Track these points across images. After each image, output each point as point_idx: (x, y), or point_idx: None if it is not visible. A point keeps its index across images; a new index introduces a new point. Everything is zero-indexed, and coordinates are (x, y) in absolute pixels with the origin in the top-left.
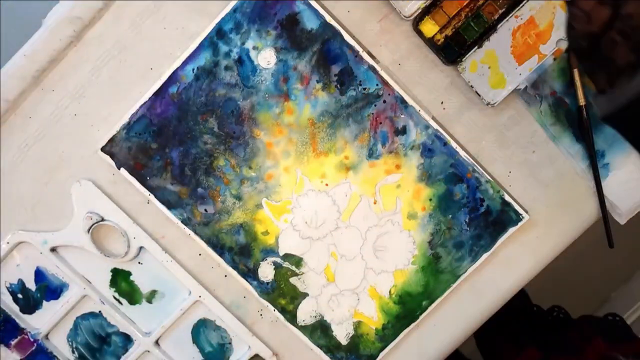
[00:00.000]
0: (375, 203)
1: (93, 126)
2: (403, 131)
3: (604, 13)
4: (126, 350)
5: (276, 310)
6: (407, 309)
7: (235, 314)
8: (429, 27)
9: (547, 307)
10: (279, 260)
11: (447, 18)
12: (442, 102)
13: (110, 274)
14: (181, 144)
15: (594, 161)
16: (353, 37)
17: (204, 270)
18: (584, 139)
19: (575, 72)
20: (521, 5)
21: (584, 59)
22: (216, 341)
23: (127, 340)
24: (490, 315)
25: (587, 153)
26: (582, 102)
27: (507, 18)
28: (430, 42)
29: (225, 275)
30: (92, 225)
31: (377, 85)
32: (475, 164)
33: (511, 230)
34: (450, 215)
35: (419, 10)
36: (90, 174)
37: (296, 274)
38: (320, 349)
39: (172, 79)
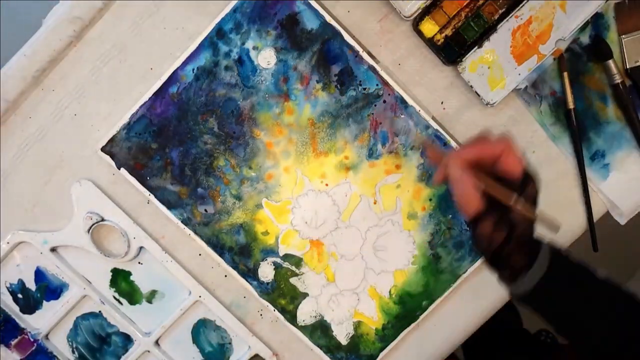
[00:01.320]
0: (375, 203)
1: (93, 126)
2: (403, 131)
3: (501, 236)
4: (126, 350)
5: (276, 310)
6: (407, 309)
7: (235, 314)
8: (429, 27)
9: (536, 329)
10: (279, 260)
11: (447, 18)
12: (442, 102)
13: (110, 274)
14: (181, 144)
15: (581, 161)
16: (353, 37)
17: (204, 270)
18: (573, 141)
19: (565, 75)
20: (521, 5)
21: (489, 264)
22: (216, 341)
23: (127, 340)
24: (490, 315)
25: (587, 154)
26: (571, 105)
27: (507, 18)
28: (430, 42)
29: (225, 275)
30: (92, 225)
31: (377, 85)
32: None
33: None
34: (450, 215)
35: (419, 11)
36: (90, 174)
37: (296, 274)
38: (320, 349)
39: (172, 79)
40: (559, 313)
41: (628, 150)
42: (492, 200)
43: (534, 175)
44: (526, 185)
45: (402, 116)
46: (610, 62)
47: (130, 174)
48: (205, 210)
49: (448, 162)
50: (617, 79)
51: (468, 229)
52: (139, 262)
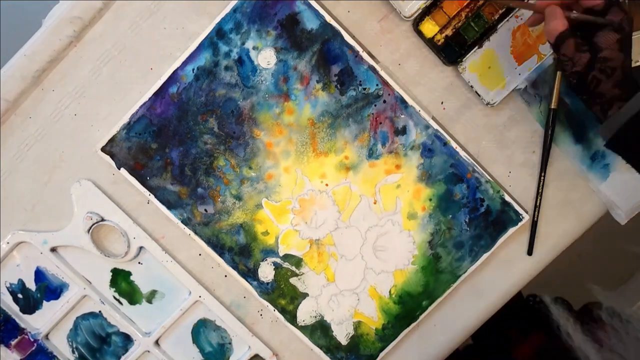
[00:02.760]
0: (375, 203)
1: (93, 126)
2: (403, 131)
3: (585, 57)
4: (126, 350)
5: (276, 310)
6: (407, 309)
7: (235, 314)
8: (429, 28)
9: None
10: (278, 260)
11: (447, 18)
12: (442, 102)
13: (110, 274)
14: (181, 144)
15: (545, 161)
16: (353, 37)
17: (204, 270)
18: (544, 140)
19: (558, 75)
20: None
21: (579, 94)
22: (216, 341)
23: (127, 340)
24: (491, 315)
25: (584, 153)
26: (554, 105)
27: (507, 18)
28: (430, 43)
29: (225, 275)
30: (92, 225)
31: (377, 85)
32: (475, 164)
33: (511, 230)
34: (450, 215)
35: (419, 11)
36: (90, 174)
37: (296, 274)
38: (320, 349)
39: (172, 79)
40: None
41: None
42: (578, 26)
43: (621, 5)
44: (607, 11)
45: (402, 116)
46: None
47: (130, 174)
48: (205, 210)
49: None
50: None
51: (554, 53)
52: (139, 262)
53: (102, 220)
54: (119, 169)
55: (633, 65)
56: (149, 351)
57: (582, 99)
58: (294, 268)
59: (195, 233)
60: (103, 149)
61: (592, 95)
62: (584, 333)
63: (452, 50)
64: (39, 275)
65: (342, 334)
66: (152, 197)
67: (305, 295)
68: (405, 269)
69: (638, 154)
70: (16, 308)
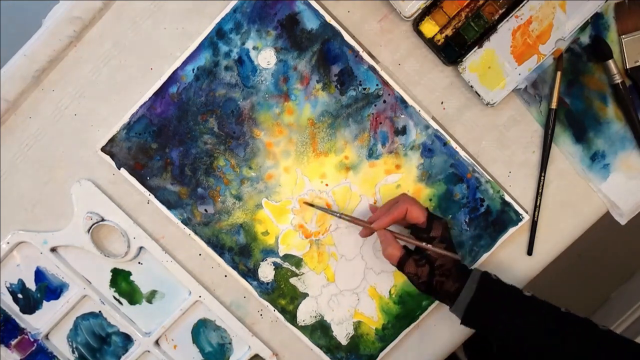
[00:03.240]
0: (375, 203)
1: (93, 126)
2: (403, 131)
3: (425, 269)
4: (126, 350)
5: (276, 310)
6: (407, 309)
7: (235, 314)
8: (429, 28)
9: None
10: (278, 260)
11: (447, 18)
12: (442, 102)
13: (110, 274)
14: (181, 144)
15: (546, 159)
16: (353, 37)
17: (204, 270)
18: (544, 140)
19: (558, 74)
20: (521, 5)
21: (430, 295)
22: (216, 341)
23: (127, 340)
24: None
25: (584, 153)
26: (554, 105)
27: (507, 18)
28: (430, 43)
29: (225, 275)
30: (92, 225)
31: (377, 85)
32: (475, 164)
33: (511, 230)
34: (450, 215)
35: (419, 11)
36: (90, 174)
37: (296, 275)
38: (320, 349)
39: (172, 79)
40: (494, 328)
41: (628, 150)
42: (410, 248)
43: (439, 217)
44: (431, 227)
45: (402, 116)
46: (610, 62)
47: (130, 174)
48: (205, 210)
49: (374, 229)
50: (617, 79)
51: (402, 273)
52: (139, 262)
53: (102, 220)
54: (119, 169)
55: (633, 65)
56: (149, 351)
57: (424, 292)
58: (294, 268)
59: (195, 233)
60: (103, 149)
61: (439, 294)
62: None
63: (452, 50)
64: (39, 275)
65: (342, 334)
66: (152, 197)
67: (305, 295)
68: None
69: (488, 324)
70: (16, 308)
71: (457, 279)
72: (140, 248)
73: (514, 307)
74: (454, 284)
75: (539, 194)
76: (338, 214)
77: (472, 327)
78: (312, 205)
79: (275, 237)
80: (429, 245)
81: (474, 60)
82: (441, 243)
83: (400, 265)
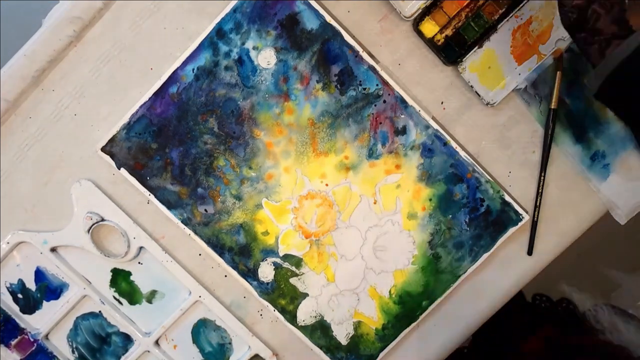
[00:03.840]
0: (375, 203)
1: (93, 126)
2: (403, 131)
3: None
4: (126, 350)
5: (276, 310)
6: (407, 309)
7: (235, 314)
8: (429, 28)
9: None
10: (278, 260)
11: (448, 18)
12: (442, 102)
13: (110, 274)
14: (181, 144)
15: (545, 161)
16: (353, 37)
17: (204, 270)
18: (544, 140)
19: (558, 75)
20: (521, 5)
21: (577, 32)
22: (216, 341)
23: (127, 340)
24: (491, 315)
25: (584, 153)
26: (554, 105)
27: (507, 18)
28: (430, 42)
29: (225, 275)
30: (92, 225)
31: (377, 85)
32: (475, 164)
33: (511, 230)
34: (450, 215)
35: (419, 11)
36: (90, 174)
37: (296, 275)
38: (320, 349)
39: (172, 79)
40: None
41: (628, 150)
42: None
43: None
44: None
45: (402, 116)
46: None
47: (130, 174)
48: (205, 210)
49: None
50: None
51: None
52: (139, 262)
53: (102, 220)
54: (119, 169)
55: None
56: (149, 351)
57: (578, 41)
58: (294, 268)
59: (195, 233)
60: (103, 149)
61: (590, 31)
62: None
63: (452, 50)
64: (39, 275)
65: (342, 334)
66: (152, 197)
67: (305, 295)
68: (405, 269)
69: (629, 99)
70: (16, 308)
71: (618, 20)
72: (140, 248)
73: None
74: (612, 25)
75: (539, 194)
76: None
77: (609, 101)
78: None
79: (275, 237)
80: None
81: (474, 60)
82: None
83: None
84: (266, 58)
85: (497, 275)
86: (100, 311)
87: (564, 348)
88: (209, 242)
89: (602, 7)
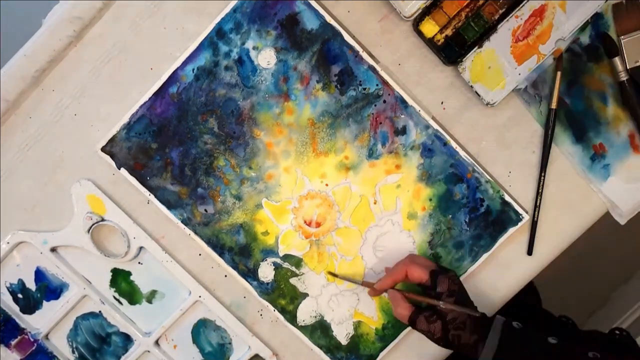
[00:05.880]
0: (375, 203)
1: (93, 126)
2: (403, 131)
3: (438, 325)
4: (126, 350)
5: (276, 310)
6: None
7: (235, 314)
8: (429, 28)
9: (557, 314)
10: (278, 260)
11: (448, 18)
12: (442, 102)
13: (110, 274)
14: (181, 144)
15: (545, 161)
16: (353, 37)
17: (204, 270)
18: (544, 140)
19: (558, 75)
20: (521, 5)
21: (451, 349)
22: (216, 341)
23: (127, 340)
24: (491, 314)
25: (584, 153)
26: (554, 105)
27: (507, 18)
28: (430, 43)
29: (225, 275)
30: (92, 225)
31: (377, 85)
32: (475, 164)
33: (511, 230)
34: (450, 215)
35: (419, 11)
36: (90, 174)
37: (296, 275)
38: (320, 349)
39: (172, 79)
40: None
41: (629, 151)
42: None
43: (445, 271)
44: (436, 284)
45: (402, 116)
46: (617, 59)
47: (130, 174)
48: (205, 210)
49: (376, 290)
50: (623, 77)
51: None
52: (139, 262)
53: (102, 220)
54: (119, 169)
55: (633, 65)
56: (149, 351)
57: (444, 346)
58: (294, 268)
59: (195, 233)
60: (103, 149)
61: (459, 347)
62: None
63: (452, 50)
64: (39, 275)
65: (342, 334)
66: (152, 197)
67: (305, 295)
68: None
69: None
70: (16, 308)
71: (473, 330)
72: (140, 248)
73: (541, 356)
74: (471, 336)
75: (539, 194)
76: (359, 282)
77: None
78: (336, 275)
79: (275, 237)
80: (438, 302)
81: (474, 60)
82: (450, 297)
83: (412, 324)
84: (266, 58)
85: (497, 275)
86: (100, 311)
87: None
88: (209, 242)
89: (458, 329)
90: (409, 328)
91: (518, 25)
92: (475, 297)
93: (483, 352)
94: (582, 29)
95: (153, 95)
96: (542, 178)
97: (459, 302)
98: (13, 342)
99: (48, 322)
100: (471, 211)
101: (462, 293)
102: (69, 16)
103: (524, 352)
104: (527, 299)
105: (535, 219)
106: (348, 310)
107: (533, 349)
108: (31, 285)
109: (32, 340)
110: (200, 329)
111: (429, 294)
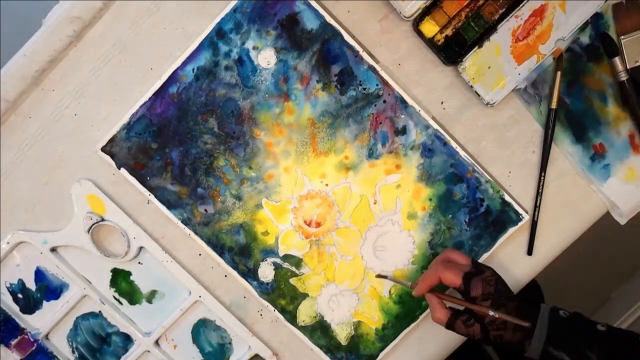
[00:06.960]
0: (375, 203)
1: (93, 126)
2: (403, 131)
3: (477, 328)
4: (126, 350)
5: (276, 310)
6: (407, 309)
7: (235, 314)
8: (429, 28)
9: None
10: (278, 260)
11: (447, 18)
12: (442, 102)
13: (110, 274)
14: (181, 144)
15: (545, 160)
16: (353, 37)
17: (204, 270)
18: (544, 139)
19: (558, 74)
20: (521, 5)
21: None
22: (216, 341)
23: (127, 340)
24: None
25: (584, 153)
26: (554, 105)
27: (507, 18)
28: (430, 42)
29: (225, 275)
30: (92, 225)
31: (377, 85)
32: (475, 164)
33: (511, 230)
34: (450, 215)
35: (419, 11)
36: (90, 174)
37: (296, 275)
38: (320, 349)
39: (172, 79)
40: None
41: (629, 151)
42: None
43: (480, 272)
44: (469, 288)
45: (402, 116)
46: (617, 59)
47: (130, 174)
48: (205, 210)
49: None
50: (623, 77)
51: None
52: (139, 262)
53: (102, 220)
54: (119, 169)
55: (633, 65)
56: (149, 351)
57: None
58: (294, 268)
59: (195, 233)
60: (103, 149)
61: (504, 345)
62: None
63: (452, 50)
64: (39, 275)
65: (342, 334)
66: (152, 197)
67: (305, 295)
68: (405, 268)
69: None
70: (16, 308)
71: (516, 327)
72: (140, 248)
73: (592, 344)
74: (514, 334)
75: (539, 194)
76: (408, 285)
77: None
78: (384, 277)
79: (275, 237)
80: (473, 305)
81: (474, 60)
82: (485, 301)
83: (450, 329)
84: (266, 58)
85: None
86: (100, 311)
87: None
88: (209, 242)
89: (499, 330)
90: (409, 328)
91: (518, 25)
92: None
93: (531, 346)
94: (582, 29)
95: (153, 95)
96: (542, 178)
97: (495, 303)
98: (13, 342)
99: (48, 322)
100: (471, 211)
101: (499, 293)
102: (69, 16)
103: (575, 341)
104: (529, 297)
105: (535, 219)
106: (348, 311)
107: (583, 337)
108: (31, 285)
109: (32, 340)
110: (200, 329)
111: (466, 298)
